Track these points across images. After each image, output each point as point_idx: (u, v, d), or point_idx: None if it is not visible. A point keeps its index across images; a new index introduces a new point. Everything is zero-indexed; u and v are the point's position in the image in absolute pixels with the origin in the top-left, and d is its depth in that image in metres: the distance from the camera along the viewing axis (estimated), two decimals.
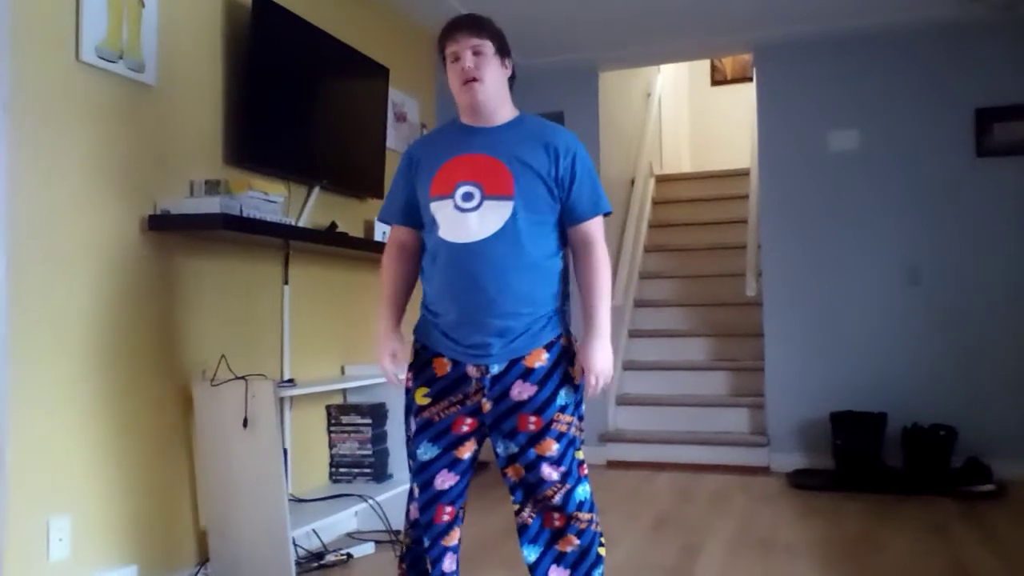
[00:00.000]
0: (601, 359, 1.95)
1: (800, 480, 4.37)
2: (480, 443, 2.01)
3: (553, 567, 1.98)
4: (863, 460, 4.30)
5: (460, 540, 2.05)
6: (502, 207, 1.89)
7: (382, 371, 2.10)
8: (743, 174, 6.30)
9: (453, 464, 1.97)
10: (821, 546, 3.23)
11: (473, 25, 1.96)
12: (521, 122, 2.02)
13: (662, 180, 6.90)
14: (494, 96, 1.97)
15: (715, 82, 8.16)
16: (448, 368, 1.95)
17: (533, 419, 1.92)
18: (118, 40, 2.50)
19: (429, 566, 2.00)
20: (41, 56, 2.27)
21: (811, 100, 4.78)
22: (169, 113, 2.72)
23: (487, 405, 1.94)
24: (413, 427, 1.99)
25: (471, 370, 1.94)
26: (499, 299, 1.88)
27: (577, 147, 2.00)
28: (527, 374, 1.93)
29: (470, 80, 1.93)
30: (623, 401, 5.24)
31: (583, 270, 2.00)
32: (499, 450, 1.98)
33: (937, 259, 4.54)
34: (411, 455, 2.02)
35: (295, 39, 3.19)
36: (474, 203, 1.89)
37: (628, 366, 5.46)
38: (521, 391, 1.92)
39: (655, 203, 6.65)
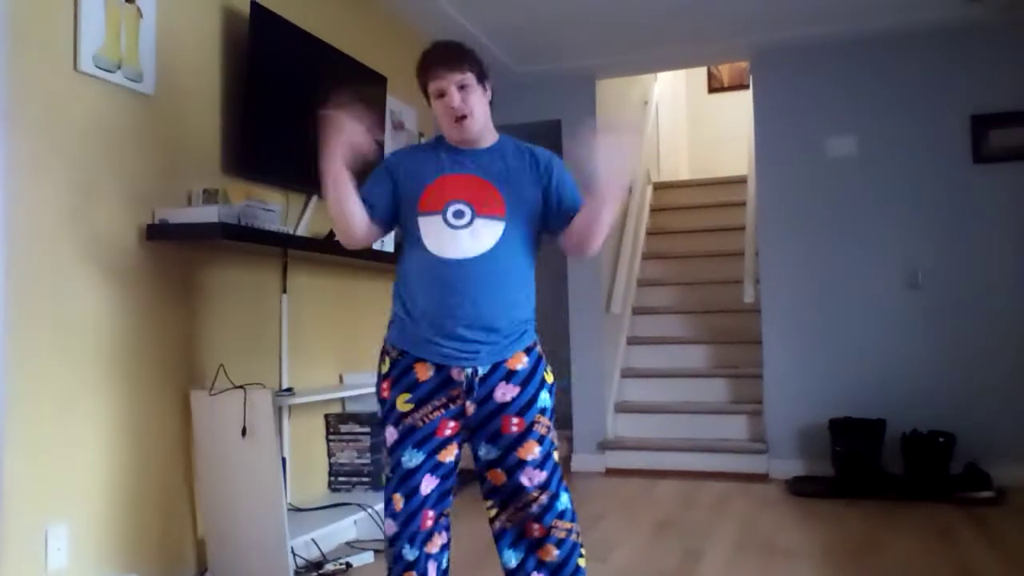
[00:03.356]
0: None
1: (799, 487, 4.36)
2: (461, 447, 2.03)
3: (535, 573, 1.98)
4: (862, 466, 4.29)
5: (446, 547, 2.05)
6: (493, 226, 1.95)
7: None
8: (741, 181, 6.30)
9: (436, 468, 1.98)
10: (822, 550, 3.23)
11: (454, 59, 1.98)
12: (504, 144, 2.08)
13: (660, 187, 6.91)
14: (482, 127, 2.03)
15: (712, 89, 8.18)
16: (431, 372, 1.96)
17: (516, 420, 1.95)
18: (116, 50, 2.50)
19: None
20: (39, 66, 2.27)
21: (808, 106, 4.79)
22: (167, 123, 2.73)
23: (471, 408, 1.95)
24: (395, 435, 1.98)
25: (455, 373, 1.94)
26: (488, 312, 1.93)
27: (558, 159, 2.10)
28: (510, 376, 1.96)
29: (461, 118, 1.97)
30: (622, 408, 5.24)
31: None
32: (480, 453, 1.99)
33: (935, 265, 4.55)
34: (391, 466, 2.00)
35: (293, 48, 3.20)
36: (465, 220, 1.94)
37: (627, 373, 5.46)
38: (504, 392, 1.95)
39: (653, 210, 6.66)
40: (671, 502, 4.16)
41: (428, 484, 1.97)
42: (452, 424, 1.97)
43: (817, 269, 4.74)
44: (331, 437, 3.46)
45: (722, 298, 5.65)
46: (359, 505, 3.15)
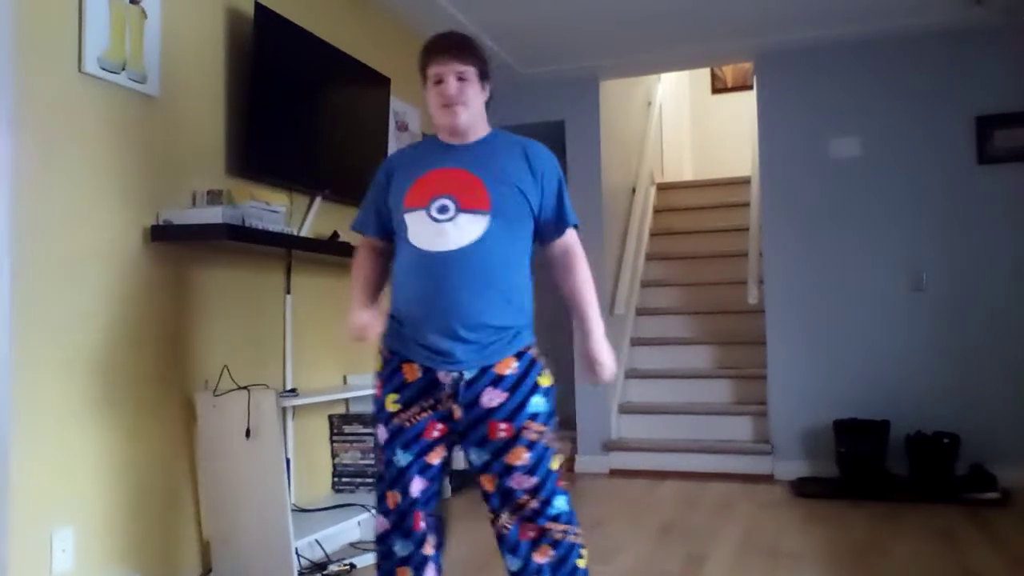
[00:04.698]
0: (608, 351, 2.05)
1: (804, 488, 4.35)
2: (450, 450, 2.01)
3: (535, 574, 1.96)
4: (867, 468, 4.28)
5: (440, 547, 2.04)
6: (477, 221, 1.91)
7: (351, 326, 2.03)
8: (744, 182, 6.30)
9: (424, 469, 1.97)
10: (827, 553, 3.22)
11: (460, 49, 1.97)
12: (496, 136, 2.06)
13: (663, 188, 6.91)
14: (474, 120, 2.00)
15: (716, 90, 8.17)
16: (419, 373, 1.95)
17: (503, 426, 1.91)
18: (121, 51, 2.51)
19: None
20: (44, 67, 2.27)
21: (811, 107, 4.78)
22: (171, 124, 2.73)
23: (457, 411, 1.93)
24: (385, 434, 1.98)
25: (441, 376, 1.93)
26: (470, 310, 1.90)
27: (554, 162, 2.06)
28: (497, 381, 1.92)
29: (452, 104, 1.95)
30: (626, 409, 5.23)
31: (571, 274, 2.09)
32: (471, 458, 1.98)
33: (939, 266, 4.54)
34: (384, 463, 1.99)
35: (297, 49, 3.21)
36: (449, 215, 1.90)
37: (630, 374, 5.45)
38: (491, 398, 1.92)
39: (656, 211, 6.65)
40: (675, 504, 4.15)
41: (417, 485, 1.96)
42: (439, 426, 1.96)
43: (821, 270, 4.73)
44: (335, 438, 3.46)
45: (726, 299, 5.64)
46: (363, 506, 3.15)
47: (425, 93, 2.02)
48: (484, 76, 2.02)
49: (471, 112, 1.98)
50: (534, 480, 1.93)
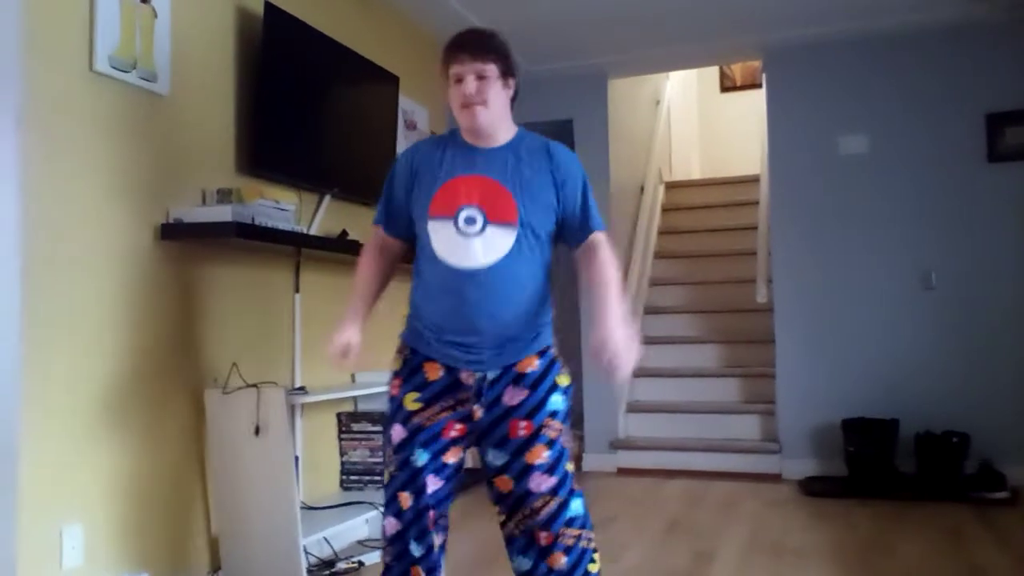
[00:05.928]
0: (622, 337, 1.82)
1: (812, 487, 4.35)
2: (465, 451, 2.00)
3: None
4: (875, 467, 4.27)
5: (443, 548, 2.02)
6: (506, 234, 1.89)
7: (331, 348, 2.04)
8: (753, 180, 6.28)
9: (440, 469, 1.95)
10: (834, 552, 3.22)
11: (479, 47, 1.92)
12: (521, 140, 2.00)
13: (672, 186, 6.90)
14: (495, 120, 1.95)
15: (724, 89, 8.15)
16: (441, 373, 1.94)
17: (524, 424, 1.91)
18: (131, 50, 2.52)
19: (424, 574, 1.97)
20: (55, 66, 2.29)
21: (820, 105, 4.77)
22: (181, 122, 2.74)
23: (478, 412, 1.93)
24: (403, 433, 1.95)
25: (464, 376, 1.93)
26: (500, 324, 1.91)
27: (578, 166, 2.01)
28: (519, 379, 1.93)
29: (471, 104, 1.90)
30: (633, 408, 5.23)
31: (592, 261, 1.99)
32: (489, 459, 1.97)
33: (949, 264, 4.52)
34: (398, 464, 1.96)
35: (306, 48, 3.21)
36: (477, 228, 1.89)
37: (638, 373, 5.43)
38: (513, 396, 1.93)
39: (665, 209, 6.65)
40: (682, 502, 4.15)
41: (432, 484, 1.94)
42: (459, 427, 1.95)
43: (830, 268, 4.72)
44: (343, 436, 3.47)
45: (734, 298, 5.63)
46: (371, 504, 3.16)
47: (448, 94, 1.97)
48: (507, 73, 1.95)
49: (491, 112, 1.92)
50: (553, 480, 1.91)
